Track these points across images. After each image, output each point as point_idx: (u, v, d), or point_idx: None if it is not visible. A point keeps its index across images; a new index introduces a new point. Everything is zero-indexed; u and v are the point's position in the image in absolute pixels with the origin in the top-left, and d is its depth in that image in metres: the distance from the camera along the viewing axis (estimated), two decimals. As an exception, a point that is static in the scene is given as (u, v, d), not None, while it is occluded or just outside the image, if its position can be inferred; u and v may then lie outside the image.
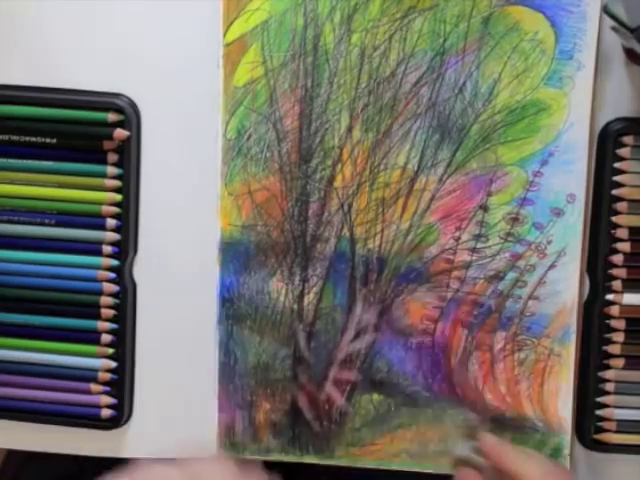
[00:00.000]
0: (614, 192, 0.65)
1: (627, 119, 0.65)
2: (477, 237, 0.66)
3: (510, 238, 0.66)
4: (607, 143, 0.65)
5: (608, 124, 0.65)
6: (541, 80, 0.64)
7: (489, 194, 0.65)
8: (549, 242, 0.65)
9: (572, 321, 0.66)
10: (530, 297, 0.66)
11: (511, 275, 0.66)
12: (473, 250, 0.66)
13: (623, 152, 0.65)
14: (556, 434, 0.67)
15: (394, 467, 0.68)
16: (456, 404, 0.67)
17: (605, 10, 0.61)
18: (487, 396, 0.67)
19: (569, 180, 0.65)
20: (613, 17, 0.59)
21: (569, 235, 0.65)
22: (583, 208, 0.65)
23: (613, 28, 0.62)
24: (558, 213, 0.65)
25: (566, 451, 0.67)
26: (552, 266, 0.65)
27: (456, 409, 0.67)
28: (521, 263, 0.66)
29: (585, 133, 0.64)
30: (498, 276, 0.66)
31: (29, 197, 0.67)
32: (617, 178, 0.65)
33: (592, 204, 0.66)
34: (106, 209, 0.66)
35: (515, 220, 0.65)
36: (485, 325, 0.66)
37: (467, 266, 0.66)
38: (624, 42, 0.63)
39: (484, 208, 0.65)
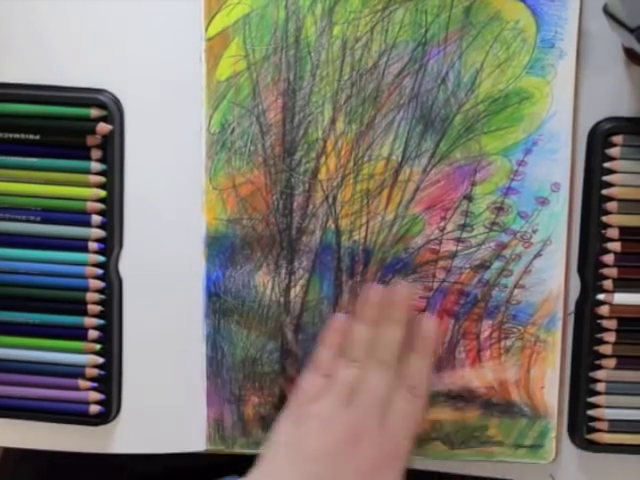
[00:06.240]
0: (604, 192, 0.65)
1: (617, 118, 0.65)
2: (462, 227, 0.66)
3: (495, 227, 0.66)
4: (596, 143, 0.65)
5: (598, 124, 0.65)
6: (523, 69, 0.64)
7: (473, 184, 0.65)
8: (534, 231, 0.65)
9: (558, 308, 0.66)
10: (516, 286, 0.66)
11: (497, 264, 0.66)
12: (458, 240, 0.66)
13: (613, 152, 0.65)
14: (542, 418, 0.67)
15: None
16: (444, 392, 0.67)
17: (605, 10, 0.61)
18: (474, 383, 0.67)
19: (553, 169, 0.65)
20: (613, 17, 0.59)
21: (554, 224, 0.65)
22: (568, 197, 0.65)
23: (612, 27, 0.61)
24: (543, 202, 0.65)
25: (552, 434, 0.67)
26: (538, 255, 0.66)
27: (444, 397, 0.67)
28: (507, 252, 0.66)
29: (568, 122, 0.64)
30: (484, 265, 0.66)
31: (13, 194, 0.67)
32: (607, 178, 0.65)
33: (582, 204, 0.66)
34: (91, 205, 0.66)
35: (500, 209, 0.65)
36: (471, 314, 0.67)
37: (453, 256, 0.66)
38: (624, 42, 0.62)
39: (469, 198, 0.66)
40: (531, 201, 0.65)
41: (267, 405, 0.68)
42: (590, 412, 0.67)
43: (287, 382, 0.68)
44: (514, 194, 0.65)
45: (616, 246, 0.65)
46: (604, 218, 0.65)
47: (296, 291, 0.67)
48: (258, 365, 0.68)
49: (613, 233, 0.65)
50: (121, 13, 0.66)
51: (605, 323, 0.66)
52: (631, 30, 0.57)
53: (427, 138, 0.65)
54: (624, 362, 0.67)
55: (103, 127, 0.65)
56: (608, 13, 0.61)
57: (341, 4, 0.64)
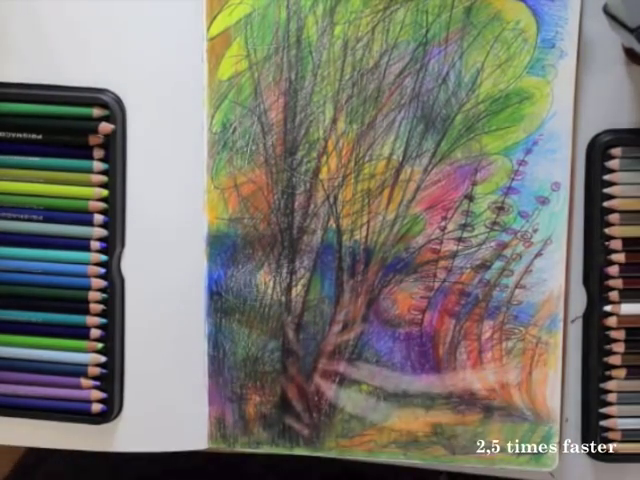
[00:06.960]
0: (605, 204, 0.65)
1: (615, 130, 0.65)
2: (463, 227, 0.66)
3: (496, 227, 0.66)
4: (595, 155, 0.65)
5: (597, 136, 0.65)
6: (524, 69, 0.64)
7: (474, 183, 0.65)
8: (535, 230, 0.65)
9: (559, 309, 0.66)
10: (517, 286, 0.66)
11: (497, 264, 0.66)
12: (459, 240, 0.66)
13: (612, 164, 0.65)
14: (545, 423, 0.67)
15: (383, 459, 0.68)
16: (445, 394, 0.67)
17: (605, 10, 0.61)
18: (476, 386, 0.67)
19: (553, 168, 0.65)
20: (613, 17, 0.59)
21: (555, 223, 0.65)
22: (568, 196, 0.65)
23: (612, 27, 0.61)
24: (543, 201, 0.65)
25: (555, 439, 0.67)
26: (538, 254, 0.66)
27: (445, 399, 0.67)
28: (507, 252, 0.66)
29: (569, 122, 0.64)
30: (485, 265, 0.66)
31: (16, 193, 0.67)
32: (608, 190, 0.65)
33: (584, 217, 0.66)
34: (93, 204, 0.67)
35: (500, 209, 0.65)
36: (472, 314, 0.66)
37: (453, 256, 0.66)
38: (624, 42, 0.63)
39: (469, 198, 0.66)
40: (531, 200, 0.65)
41: (268, 404, 0.68)
42: (603, 423, 0.67)
43: (288, 381, 0.68)
44: (515, 194, 0.65)
45: (620, 257, 0.65)
46: (606, 230, 0.65)
47: (297, 290, 0.67)
48: (259, 364, 0.68)
49: (616, 245, 0.65)
50: (123, 13, 0.66)
51: (613, 334, 0.66)
52: (631, 30, 0.57)
53: (428, 138, 0.65)
54: (634, 372, 0.66)
55: (105, 127, 0.66)
56: (608, 13, 0.61)
57: (342, 4, 0.64)
